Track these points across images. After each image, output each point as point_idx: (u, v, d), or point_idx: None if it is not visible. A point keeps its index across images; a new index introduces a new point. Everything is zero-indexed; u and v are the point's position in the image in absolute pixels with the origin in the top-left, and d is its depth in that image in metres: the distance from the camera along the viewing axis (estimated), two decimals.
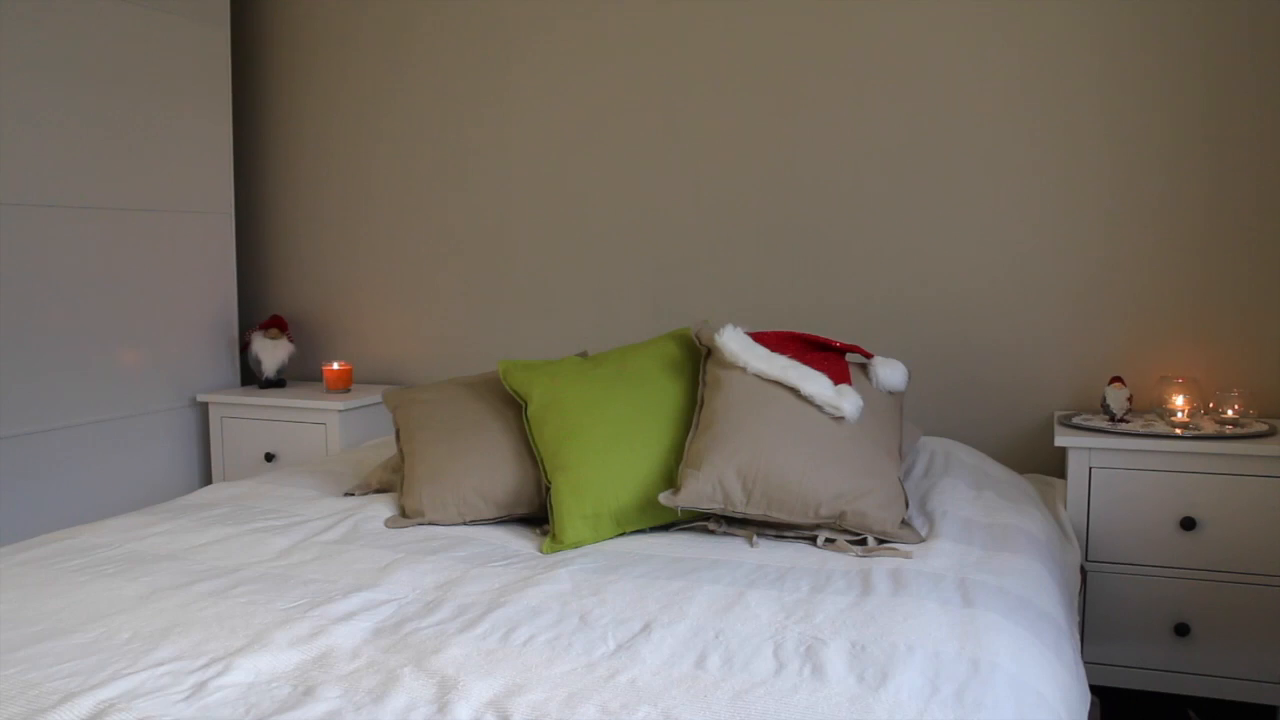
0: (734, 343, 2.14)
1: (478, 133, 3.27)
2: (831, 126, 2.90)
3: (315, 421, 3.13)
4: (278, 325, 3.37)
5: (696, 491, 1.94)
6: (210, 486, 2.43)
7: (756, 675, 1.35)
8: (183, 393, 3.24)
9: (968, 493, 2.21)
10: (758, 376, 2.09)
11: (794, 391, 2.06)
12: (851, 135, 2.88)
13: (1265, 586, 2.31)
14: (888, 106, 2.84)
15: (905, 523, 1.97)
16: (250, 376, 3.46)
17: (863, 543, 1.92)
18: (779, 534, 1.98)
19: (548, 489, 2.06)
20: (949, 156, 2.80)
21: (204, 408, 3.29)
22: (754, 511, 1.95)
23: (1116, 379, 2.56)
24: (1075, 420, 2.54)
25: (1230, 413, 2.48)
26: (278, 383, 3.34)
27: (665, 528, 2.06)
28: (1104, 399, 2.53)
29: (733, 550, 1.91)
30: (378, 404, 3.16)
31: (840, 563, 1.82)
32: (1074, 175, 2.71)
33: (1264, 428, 2.42)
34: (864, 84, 2.86)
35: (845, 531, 1.95)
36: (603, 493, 1.99)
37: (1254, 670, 2.33)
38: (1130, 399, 2.52)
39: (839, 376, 2.12)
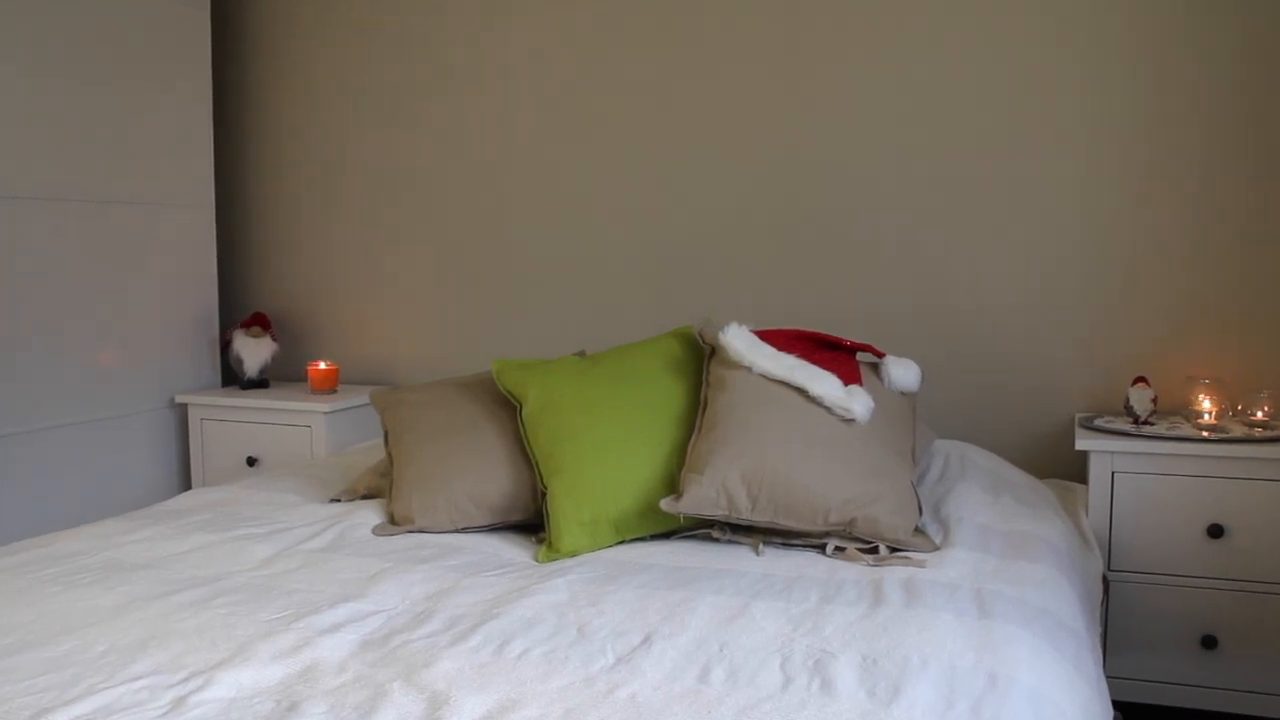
0: (739, 341, 2.14)
1: (471, 120, 3.27)
2: (846, 116, 2.90)
3: (300, 424, 3.13)
4: (260, 323, 3.37)
5: (699, 497, 1.94)
6: (190, 492, 2.43)
7: (762, 690, 1.35)
8: (161, 394, 3.24)
9: (984, 498, 2.22)
10: (764, 376, 2.09)
11: (802, 392, 2.06)
12: (866, 125, 2.88)
13: None
14: (905, 96, 2.84)
15: (919, 530, 1.97)
16: (231, 377, 3.46)
17: (874, 551, 1.92)
18: (786, 542, 1.98)
19: (544, 494, 2.06)
20: (967, 146, 2.80)
21: (183, 409, 3.29)
22: (760, 518, 1.95)
23: (1140, 379, 2.56)
24: (1097, 422, 2.54)
25: (1260, 415, 2.48)
26: (260, 383, 3.34)
27: (667, 535, 2.06)
28: (1127, 400, 2.53)
29: (737, 559, 1.91)
30: (365, 405, 3.16)
31: (850, 572, 1.83)
32: (1098, 169, 2.71)
33: None
34: (882, 72, 2.86)
35: (855, 539, 1.95)
36: (601, 498, 1.99)
37: None
38: (1155, 400, 2.52)
39: (849, 376, 2.12)
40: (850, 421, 2.04)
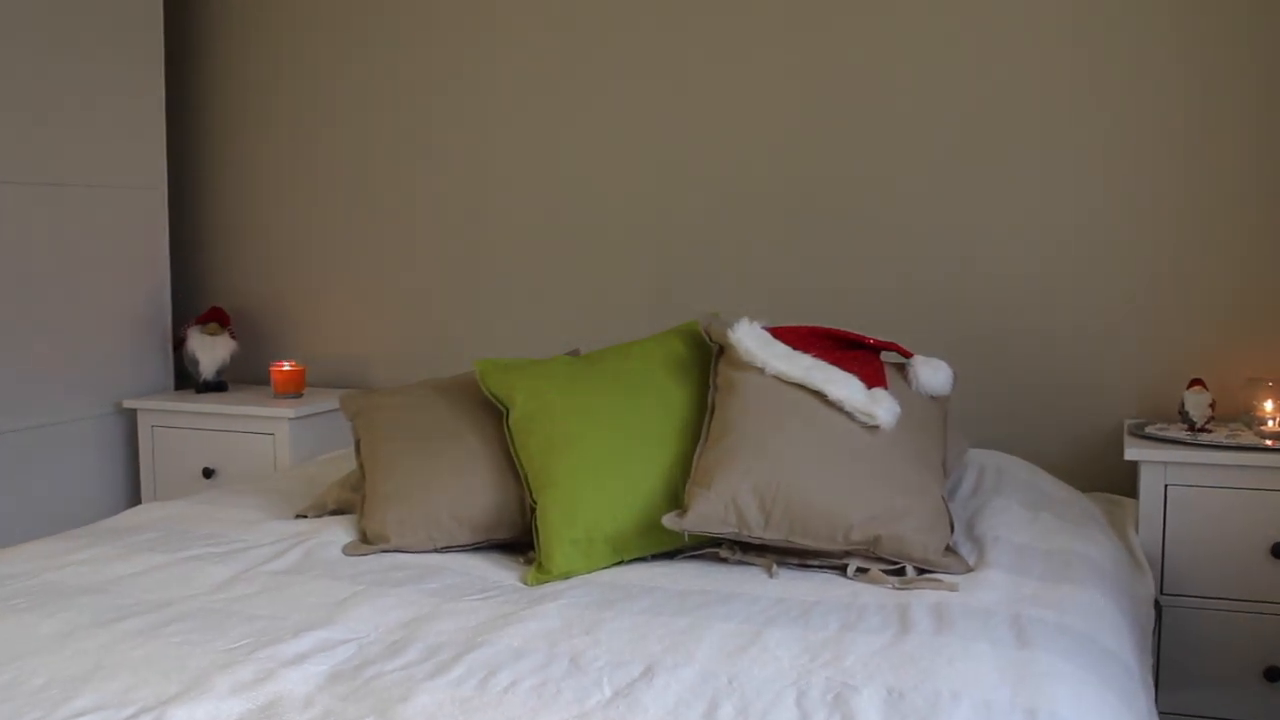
0: (750, 339, 2.14)
1: (452, 98, 3.27)
2: (858, 86, 2.90)
3: (261, 431, 3.13)
4: (217, 319, 3.37)
5: (706, 513, 1.94)
6: (139, 507, 2.44)
7: None
8: (106, 398, 3.24)
9: (1023, 514, 2.22)
10: (777, 379, 2.09)
11: (820, 396, 2.07)
12: (882, 95, 2.88)
13: None
14: (937, 74, 2.84)
15: (950, 549, 1.97)
16: (186, 379, 3.46)
17: (900, 572, 1.92)
18: (802, 563, 1.99)
19: (533, 509, 2.06)
20: (996, 115, 2.80)
21: (132, 415, 3.29)
22: (773, 536, 1.95)
23: (1196, 382, 2.56)
24: (1148, 430, 2.55)
25: None
26: (218, 386, 3.34)
27: (670, 555, 2.06)
28: (1182, 405, 2.54)
29: (748, 582, 1.91)
30: (334, 411, 3.16)
31: (874, 596, 1.83)
32: (1148, 142, 2.71)
33: None
34: (896, 32, 2.85)
35: (880, 559, 1.95)
36: (597, 514, 2.00)
37: None
38: (1213, 405, 2.52)
39: (872, 378, 2.12)
40: (874, 428, 2.04)
